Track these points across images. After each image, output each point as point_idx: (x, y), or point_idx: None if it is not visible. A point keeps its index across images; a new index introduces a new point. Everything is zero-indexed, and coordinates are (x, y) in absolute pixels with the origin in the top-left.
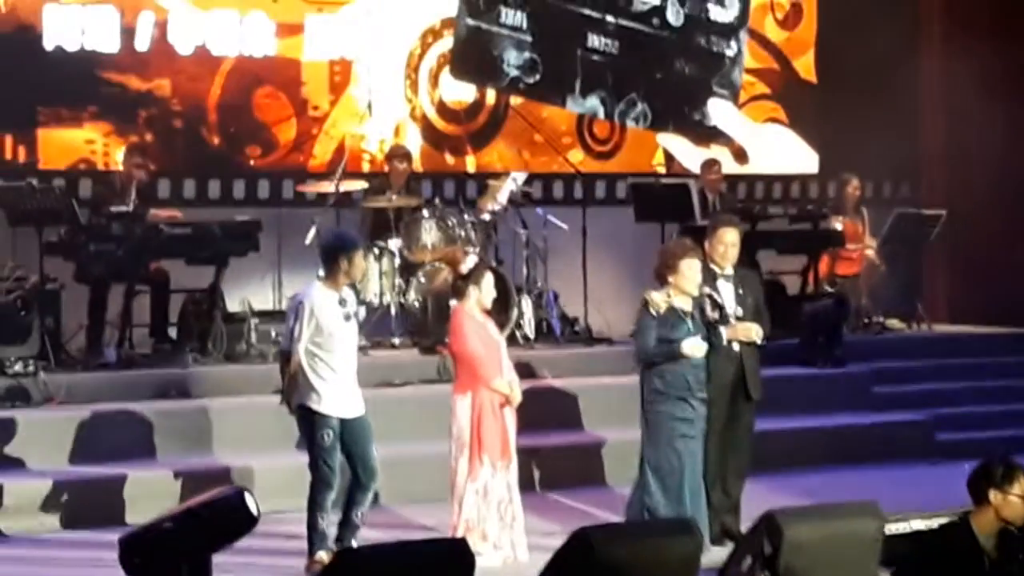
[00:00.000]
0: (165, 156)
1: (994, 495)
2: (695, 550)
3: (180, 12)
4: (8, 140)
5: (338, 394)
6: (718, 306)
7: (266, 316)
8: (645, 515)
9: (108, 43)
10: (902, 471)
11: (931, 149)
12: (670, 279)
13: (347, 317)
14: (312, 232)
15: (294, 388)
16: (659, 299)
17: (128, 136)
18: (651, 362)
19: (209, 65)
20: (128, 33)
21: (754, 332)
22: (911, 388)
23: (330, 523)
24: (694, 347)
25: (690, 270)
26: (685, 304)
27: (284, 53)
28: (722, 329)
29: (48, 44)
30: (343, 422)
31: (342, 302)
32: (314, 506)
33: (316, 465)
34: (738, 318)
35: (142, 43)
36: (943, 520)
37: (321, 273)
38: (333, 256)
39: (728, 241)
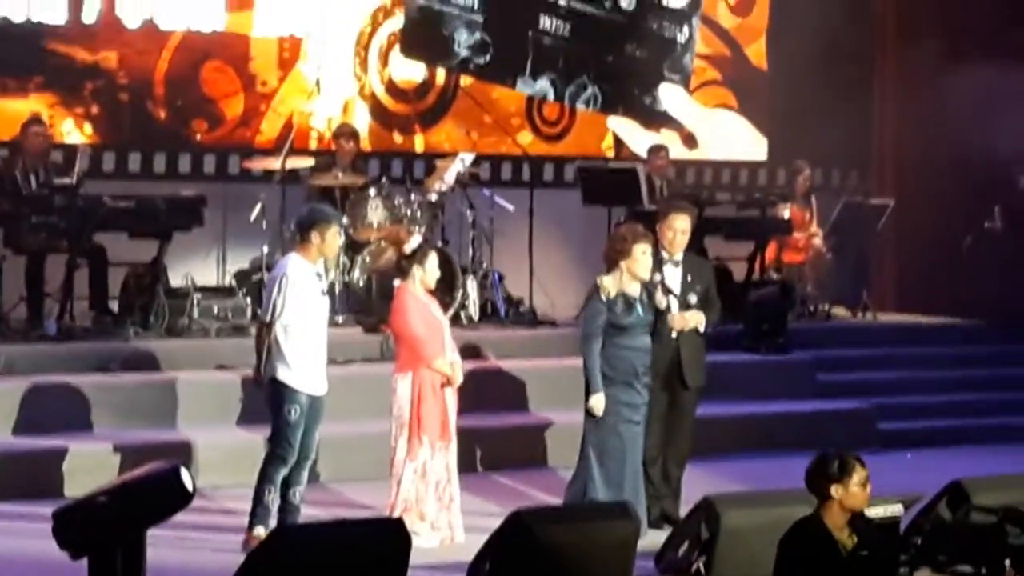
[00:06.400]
0: (111, 129)
1: (835, 489)
2: (632, 534)
3: None
4: None
5: (309, 369)
6: (668, 291)
7: (209, 291)
8: (585, 498)
9: (55, 14)
10: None
11: (881, 138)
12: (622, 264)
13: (323, 292)
14: (257, 209)
15: (268, 360)
16: (611, 284)
17: (73, 108)
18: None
19: (157, 39)
20: (75, 5)
21: (695, 321)
22: (854, 376)
23: (275, 500)
24: (596, 405)
25: (643, 255)
26: (634, 290)
27: (233, 28)
28: (669, 317)
29: None
30: (310, 399)
31: (319, 276)
32: (264, 479)
33: (277, 439)
34: (688, 305)
35: (89, 15)
36: (891, 505)
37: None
38: (307, 229)
39: (678, 227)
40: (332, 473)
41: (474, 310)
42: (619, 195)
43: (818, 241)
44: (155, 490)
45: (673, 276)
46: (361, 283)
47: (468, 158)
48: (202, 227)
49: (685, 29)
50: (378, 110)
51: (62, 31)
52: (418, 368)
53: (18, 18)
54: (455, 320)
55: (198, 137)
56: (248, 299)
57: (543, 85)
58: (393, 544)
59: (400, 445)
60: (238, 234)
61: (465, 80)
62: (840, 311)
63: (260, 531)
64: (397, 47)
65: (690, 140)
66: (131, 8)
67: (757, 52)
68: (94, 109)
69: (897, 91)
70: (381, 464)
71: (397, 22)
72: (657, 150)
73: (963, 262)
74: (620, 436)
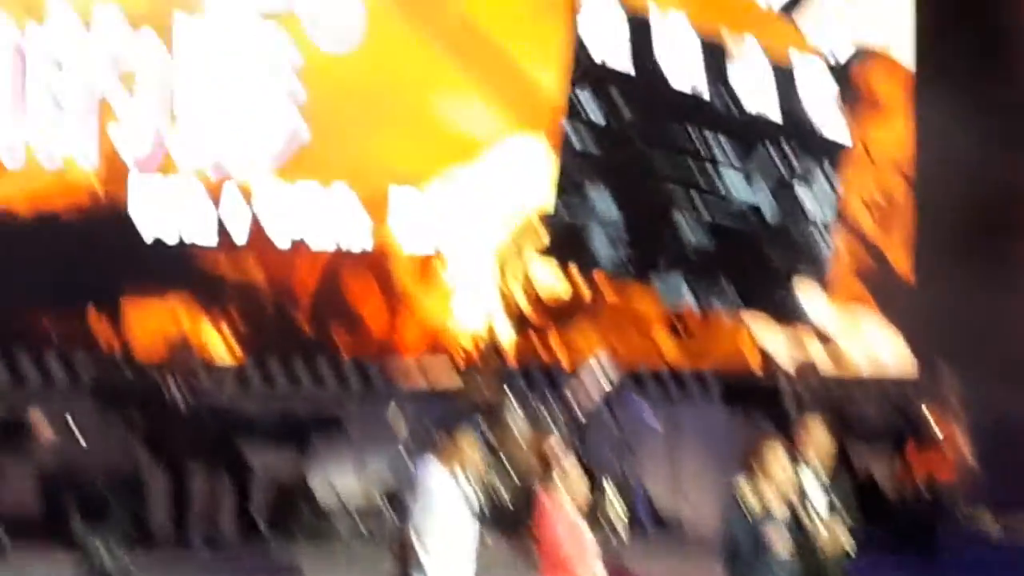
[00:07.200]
0: (255, 342)
1: None
2: None
3: (270, 194)
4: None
5: None
6: (805, 499)
7: (354, 506)
8: None
9: (206, 237)
10: None
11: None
12: (754, 466)
13: (463, 501)
14: (396, 416)
15: (409, 571)
16: (750, 492)
17: (220, 324)
18: (736, 558)
19: (305, 257)
20: (225, 227)
21: (845, 541)
22: None
23: None
24: (781, 537)
25: (772, 454)
26: (775, 499)
27: (379, 245)
28: (818, 540)
29: (147, 237)
30: None
31: (457, 483)
32: None
33: None
34: (829, 514)
35: (240, 237)
36: None
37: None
38: (445, 436)
39: (818, 437)
40: None
41: (617, 521)
42: (763, 408)
43: (964, 449)
44: None
45: (813, 487)
46: (505, 494)
47: (608, 366)
48: (345, 438)
49: (826, 235)
50: (519, 319)
51: (212, 251)
52: None
53: (171, 240)
54: (595, 531)
55: (341, 348)
56: (394, 515)
57: (679, 286)
58: None
59: None
60: (380, 445)
61: (605, 285)
62: (989, 520)
63: None
64: (537, 255)
65: (828, 341)
66: (280, 228)
67: (900, 260)
68: (240, 325)
69: None
70: None
71: (538, 233)
72: (805, 367)
73: None
74: None
